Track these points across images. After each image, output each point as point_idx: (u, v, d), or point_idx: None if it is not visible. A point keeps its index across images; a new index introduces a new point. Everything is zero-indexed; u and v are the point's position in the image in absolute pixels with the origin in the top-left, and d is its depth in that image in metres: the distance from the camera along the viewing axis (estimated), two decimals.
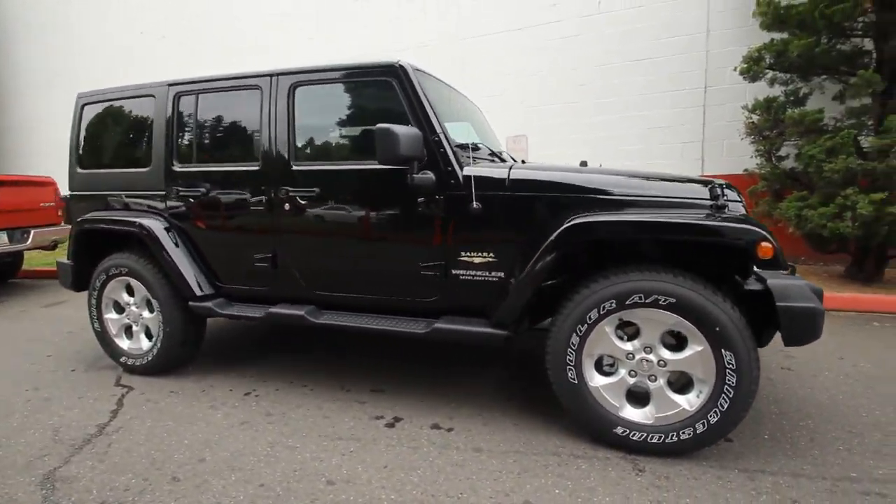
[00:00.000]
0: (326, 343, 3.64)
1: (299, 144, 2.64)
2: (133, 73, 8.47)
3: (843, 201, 3.84)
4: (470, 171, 2.32)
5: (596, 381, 2.11)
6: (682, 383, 2.07)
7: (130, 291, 3.13)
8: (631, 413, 2.08)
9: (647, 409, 2.06)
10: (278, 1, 7.95)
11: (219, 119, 2.86)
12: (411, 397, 2.69)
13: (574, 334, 2.07)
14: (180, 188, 2.89)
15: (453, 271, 2.39)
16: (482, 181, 2.29)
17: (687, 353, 1.97)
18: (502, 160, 2.87)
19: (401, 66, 2.42)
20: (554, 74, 6.25)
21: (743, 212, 2.25)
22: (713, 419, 1.94)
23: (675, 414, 2.00)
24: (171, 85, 2.94)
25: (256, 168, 2.71)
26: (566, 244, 2.05)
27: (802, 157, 4.16)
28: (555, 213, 2.21)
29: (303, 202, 2.60)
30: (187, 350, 3.08)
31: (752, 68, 4.47)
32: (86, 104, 3.25)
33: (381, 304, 2.59)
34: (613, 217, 2.03)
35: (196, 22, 8.64)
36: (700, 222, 1.90)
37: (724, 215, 2.02)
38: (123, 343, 3.17)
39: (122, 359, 3.14)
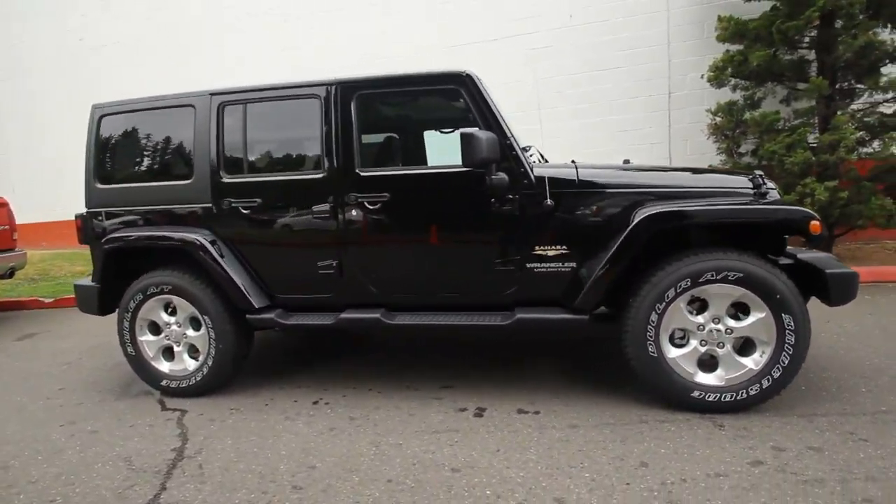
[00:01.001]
0: (349, 350, 3.66)
1: (365, 151, 2.70)
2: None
3: (802, 189, 4.48)
4: (542, 171, 2.52)
5: (672, 353, 2.37)
6: (744, 347, 2.39)
7: (170, 310, 2.98)
8: (704, 378, 2.36)
9: (718, 372, 2.36)
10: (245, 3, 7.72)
11: (272, 128, 2.84)
12: (483, 389, 2.81)
13: (653, 312, 2.32)
14: (232, 200, 2.82)
15: (528, 265, 2.56)
16: (554, 181, 2.49)
17: (751, 319, 2.29)
18: (545, 160, 3.10)
19: (468, 76, 2.57)
20: (532, 83, 6.63)
21: (778, 197, 2.63)
22: (776, 374, 2.27)
23: (743, 374, 2.31)
24: (213, 95, 2.87)
25: (320, 176, 2.72)
26: (644, 233, 2.31)
27: (765, 152, 4.79)
28: (622, 206, 2.46)
29: (372, 207, 2.66)
30: (237, 366, 3.00)
31: (719, 76, 5.08)
32: (103, 116, 3.06)
33: (454, 302, 2.70)
34: (696, 207, 2.32)
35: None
36: (769, 207, 2.23)
37: (768, 200, 2.38)
38: (163, 365, 3.01)
39: (164, 382, 2.98)
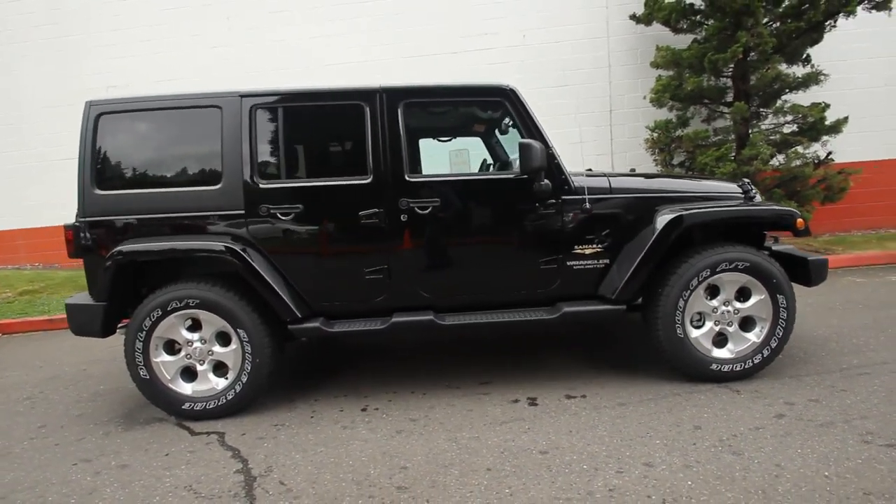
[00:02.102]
0: (345, 360, 3.66)
1: (413, 157, 2.77)
2: None
3: None
4: (580, 181, 2.81)
5: (694, 333, 2.78)
6: (745, 324, 2.87)
7: (194, 327, 2.76)
8: (718, 352, 2.80)
9: (729, 346, 2.81)
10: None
11: (312, 133, 2.78)
12: (520, 381, 3.00)
13: (680, 299, 2.71)
14: (270, 206, 2.71)
15: (568, 263, 2.83)
16: (591, 188, 2.79)
17: (753, 301, 2.77)
18: None
19: (511, 90, 2.78)
20: None
21: (760, 199, 3.18)
22: (773, 344, 2.77)
23: (748, 346, 2.79)
24: (244, 96, 2.73)
25: (367, 181, 2.73)
26: (674, 231, 2.68)
27: (698, 164, 5.63)
28: (645, 209, 2.83)
29: (422, 213, 2.74)
30: (271, 381, 2.86)
31: (660, 98, 5.87)
32: (102, 114, 2.75)
33: (500, 301, 2.87)
34: (720, 208, 2.76)
35: None
36: (773, 209, 2.74)
37: (758, 202, 2.91)
38: (183, 387, 2.76)
39: (186, 405, 2.74)
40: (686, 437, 2.28)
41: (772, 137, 5.65)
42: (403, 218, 2.74)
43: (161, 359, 2.75)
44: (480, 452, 2.27)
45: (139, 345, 2.69)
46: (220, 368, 2.80)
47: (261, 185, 2.72)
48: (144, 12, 7.30)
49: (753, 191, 3.01)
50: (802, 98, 5.63)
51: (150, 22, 7.31)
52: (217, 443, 2.52)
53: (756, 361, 2.78)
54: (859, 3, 5.28)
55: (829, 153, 5.65)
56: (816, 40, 5.52)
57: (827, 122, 5.42)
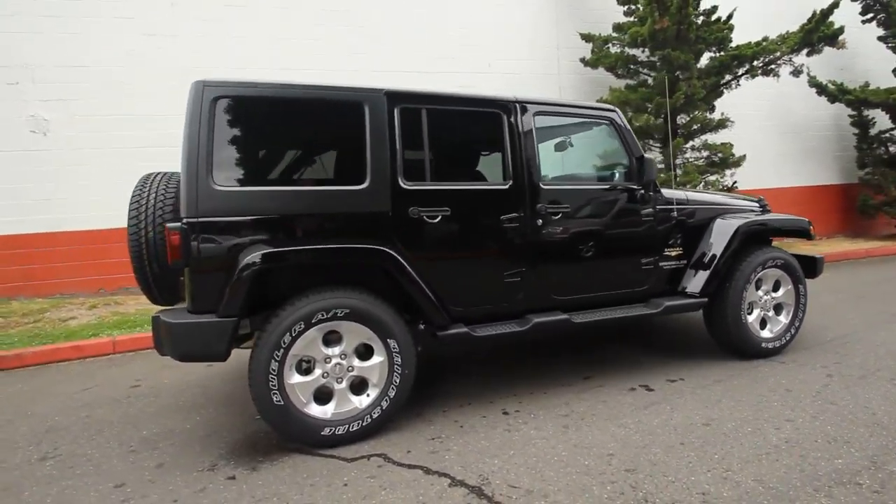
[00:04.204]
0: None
1: (544, 165, 2.94)
2: None
3: None
4: (668, 193, 3.29)
5: (749, 318, 3.42)
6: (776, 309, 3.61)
7: (329, 341, 2.47)
8: (763, 333, 3.48)
9: (769, 327, 3.51)
10: None
11: (454, 136, 2.76)
12: (617, 373, 3.30)
13: (744, 291, 3.33)
14: (420, 208, 2.60)
15: (661, 264, 3.27)
16: (677, 200, 3.30)
17: (782, 290, 3.52)
18: None
19: (615, 111, 3.16)
20: None
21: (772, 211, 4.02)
22: (797, 324, 3.54)
23: (781, 327, 3.51)
24: (388, 95, 2.61)
25: (506, 187, 2.81)
26: (743, 237, 3.30)
27: None
28: (708, 218, 3.44)
29: (555, 218, 2.91)
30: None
31: None
32: (219, 97, 2.36)
33: (606, 299, 3.16)
34: (770, 218, 3.51)
35: None
36: (798, 219, 3.52)
37: (774, 214, 3.73)
38: (320, 411, 2.44)
39: (326, 431, 2.43)
40: (791, 396, 2.83)
41: (696, 165, 7.07)
42: (539, 222, 2.88)
43: (295, 380, 2.40)
44: (656, 433, 2.50)
45: (274, 365, 2.33)
46: (359, 386, 2.55)
47: (407, 187, 2.61)
48: None
49: (768, 206, 3.85)
50: (715, 137, 7.19)
51: None
52: (393, 464, 2.30)
53: (787, 339, 3.53)
54: (759, 71, 7.03)
55: (735, 182, 7.27)
56: (721, 94, 7.13)
57: (733, 158, 6.99)
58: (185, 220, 2.28)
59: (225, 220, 2.33)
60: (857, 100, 8.44)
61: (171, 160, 5.97)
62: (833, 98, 8.55)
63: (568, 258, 3.01)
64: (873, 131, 8.99)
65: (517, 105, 2.89)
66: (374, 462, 2.33)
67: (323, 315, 2.39)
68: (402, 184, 2.61)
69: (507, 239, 2.83)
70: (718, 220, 3.42)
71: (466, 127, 2.86)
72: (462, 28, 7.40)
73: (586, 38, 7.32)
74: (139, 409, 3.16)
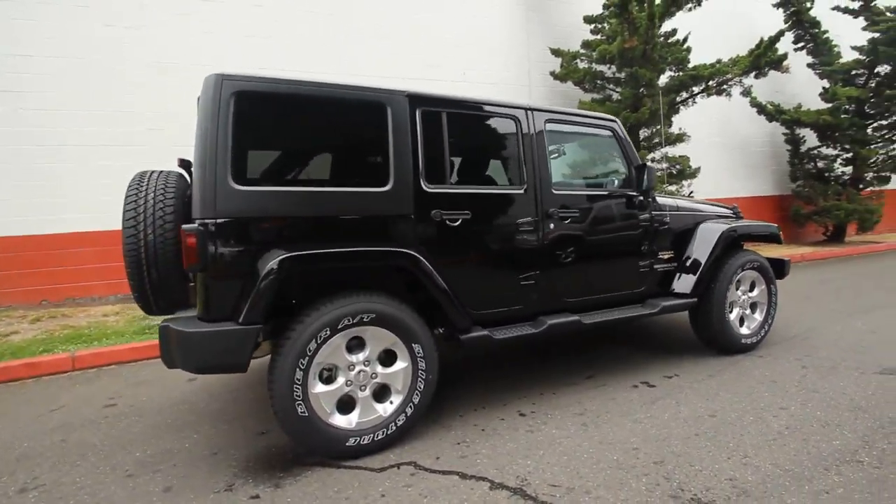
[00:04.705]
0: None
1: (553, 171, 3.01)
2: None
3: None
4: (661, 200, 3.48)
5: (731, 317, 3.68)
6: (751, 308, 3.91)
7: (353, 347, 2.39)
8: (742, 330, 3.75)
9: (746, 325, 3.79)
10: None
11: (474, 141, 2.77)
12: (618, 371, 3.43)
13: (727, 291, 3.58)
14: (442, 211, 2.58)
15: (655, 266, 3.44)
16: (669, 206, 3.49)
17: (757, 290, 3.81)
18: None
19: (616, 121, 3.31)
20: None
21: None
22: (770, 321, 3.85)
23: (756, 324, 3.80)
24: (410, 97, 2.58)
25: (522, 191, 2.86)
26: (725, 241, 3.55)
27: None
28: (694, 223, 3.67)
29: (565, 222, 3.00)
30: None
31: None
32: (238, 93, 2.23)
33: (608, 300, 3.28)
34: (747, 224, 3.73)
35: None
36: (769, 225, 3.83)
37: (748, 220, 4.05)
38: (346, 421, 2.36)
39: (351, 441, 2.34)
40: (778, 387, 3.06)
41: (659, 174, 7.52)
42: (552, 226, 2.95)
43: (319, 389, 2.29)
44: (670, 426, 2.62)
45: (299, 375, 2.21)
46: (382, 393, 2.47)
47: (429, 189, 2.59)
48: None
49: (741, 213, 4.17)
50: (673, 151, 7.68)
51: None
52: (425, 471, 2.25)
53: (762, 335, 3.83)
54: (714, 90, 7.61)
55: (691, 192, 7.79)
56: (678, 110, 7.66)
57: (690, 170, 7.51)
58: (201, 221, 2.13)
59: (245, 222, 2.20)
60: (791, 119, 9.37)
61: (130, 159, 5.52)
62: (771, 117, 9.44)
63: (576, 261, 3.10)
64: (804, 148, 10.01)
65: (531, 112, 2.96)
66: (406, 470, 2.27)
67: (349, 321, 2.30)
68: (425, 186, 2.59)
69: (522, 242, 2.87)
70: (702, 226, 3.67)
71: (484, 131, 2.88)
72: (440, 39, 7.48)
73: (556, 52, 7.63)
74: (122, 430, 2.88)
